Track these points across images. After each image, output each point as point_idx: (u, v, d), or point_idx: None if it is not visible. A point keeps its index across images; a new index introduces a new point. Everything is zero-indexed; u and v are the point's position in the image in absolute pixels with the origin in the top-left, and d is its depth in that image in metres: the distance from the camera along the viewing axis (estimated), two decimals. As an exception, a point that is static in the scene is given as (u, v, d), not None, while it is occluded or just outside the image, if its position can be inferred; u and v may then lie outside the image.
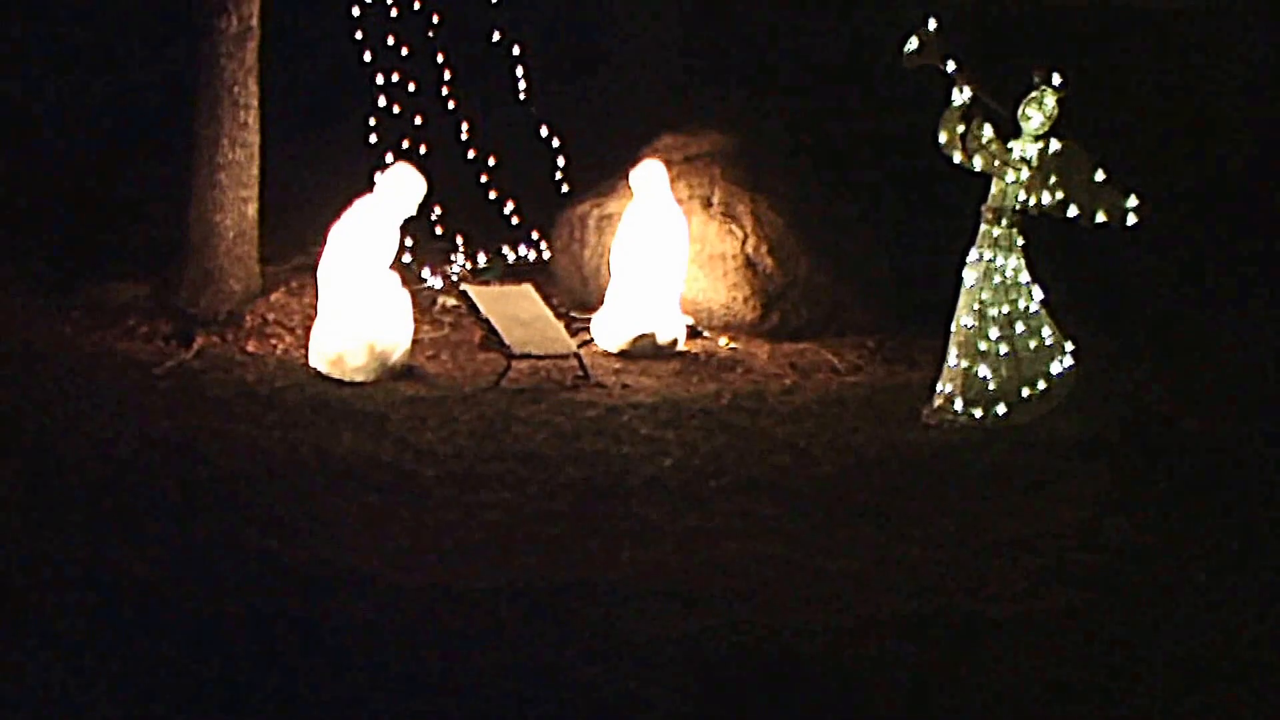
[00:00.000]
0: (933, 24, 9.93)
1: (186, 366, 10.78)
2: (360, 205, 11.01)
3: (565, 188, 13.20)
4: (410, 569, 7.75)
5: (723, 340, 12.10)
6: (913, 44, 10.00)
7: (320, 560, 7.79)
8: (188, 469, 8.91)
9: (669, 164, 12.19)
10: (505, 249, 13.01)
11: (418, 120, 12.66)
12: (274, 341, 11.47)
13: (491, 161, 12.16)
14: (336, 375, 10.73)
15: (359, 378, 10.72)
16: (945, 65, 10.00)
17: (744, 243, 12.33)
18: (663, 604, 7.55)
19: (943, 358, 10.51)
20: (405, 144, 12.63)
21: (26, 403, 9.67)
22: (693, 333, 12.00)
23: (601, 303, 12.13)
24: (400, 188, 10.90)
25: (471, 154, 12.58)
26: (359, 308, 10.75)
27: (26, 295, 11.73)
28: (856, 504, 9.00)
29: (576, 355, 11.10)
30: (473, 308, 11.28)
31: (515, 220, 12.98)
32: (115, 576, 7.41)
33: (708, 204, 12.23)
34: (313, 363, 10.93)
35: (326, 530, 8.23)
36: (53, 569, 7.46)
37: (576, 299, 12.62)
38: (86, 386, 10.21)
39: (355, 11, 12.57)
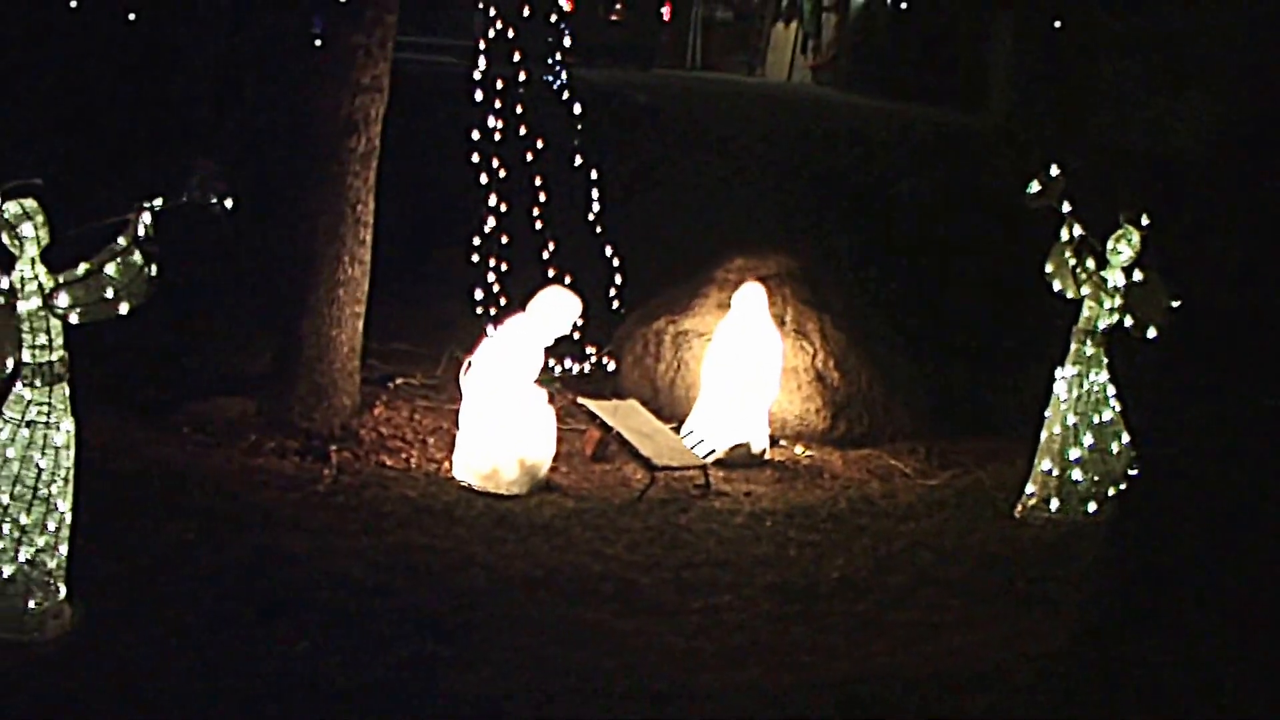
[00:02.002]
0: (1055, 170, 11.48)
1: (341, 483, 11.42)
2: (512, 323, 11.93)
3: (619, 305, 14.17)
4: (672, 678, 8.66)
5: (799, 449, 13.37)
6: (1034, 186, 11.51)
7: (596, 670, 8.66)
8: (419, 589, 9.65)
9: (742, 283, 13.43)
10: (568, 361, 13.90)
11: (504, 240, 13.46)
12: (404, 455, 12.19)
13: (567, 280, 13.08)
14: (490, 489, 11.59)
15: (513, 491, 11.61)
16: (1061, 206, 11.55)
17: (814, 357, 13.68)
18: (938, 692, 8.65)
19: (1030, 462, 11.94)
20: (494, 263, 13.44)
21: (209, 528, 10.16)
22: (771, 441, 13.25)
23: (675, 414, 13.27)
24: (554, 308, 11.87)
25: (551, 272, 13.47)
26: (510, 423, 11.62)
27: (127, 413, 12.12)
28: (1015, 592, 10.29)
29: (704, 467, 12.22)
30: (602, 424, 12.28)
31: (578, 334, 13.90)
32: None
33: (781, 322, 13.50)
34: (461, 476, 11.75)
35: (582, 642, 9.08)
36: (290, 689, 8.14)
37: (651, 411, 13.69)
38: (259, 508, 10.78)
39: (474, 135, 13.31)
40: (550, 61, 14.26)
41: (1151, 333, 11.46)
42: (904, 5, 25.97)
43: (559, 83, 14.37)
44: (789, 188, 17.34)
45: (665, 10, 28.63)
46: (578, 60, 14.56)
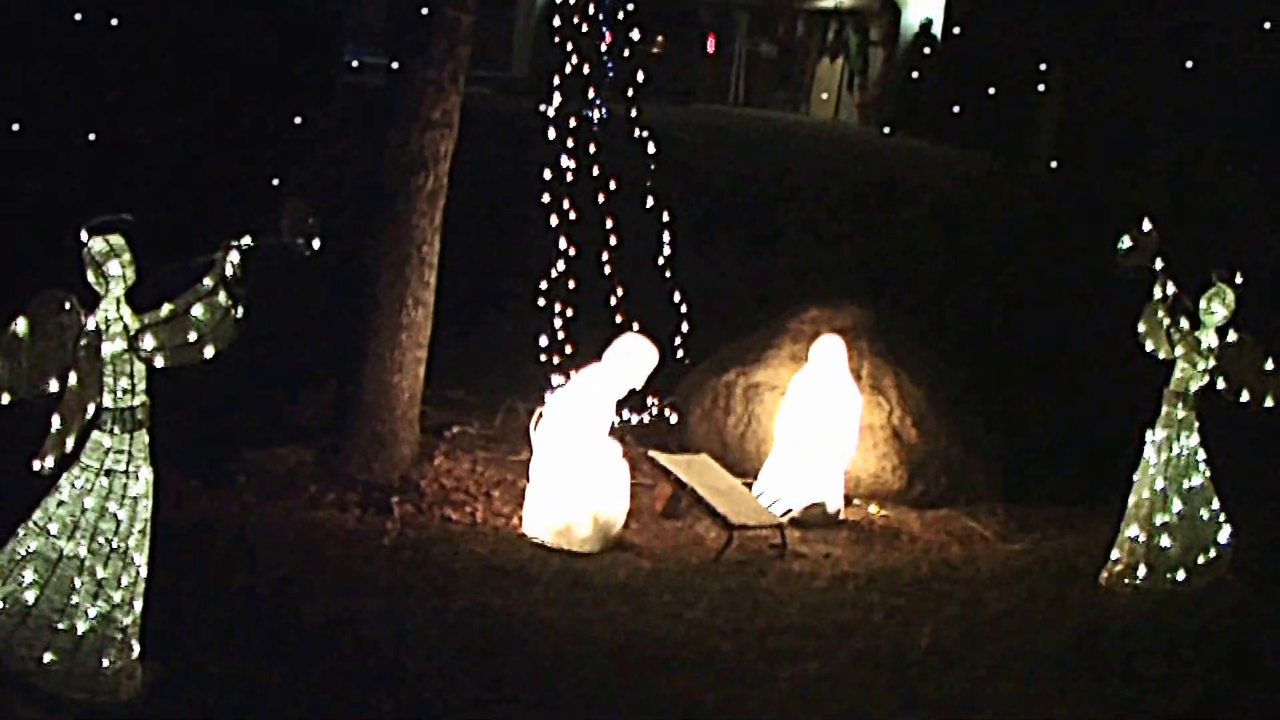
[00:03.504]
0: (1147, 225, 11.43)
1: (406, 538, 11.34)
2: (586, 374, 11.87)
3: (684, 355, 14.10)
4: None
5: (874, 508, 13.30)
6: (1126, 243, 11.46)
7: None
8: (498, 654, 9.56)
9: (815, 335, 13.38)
10: (628, 412, 13.81)
11: (571, 284, 13.40)
12: (468, 509, 12.12)
13: (635, 327, 13.00)
14: (563, 546, 11.52)
15: (586, 548, 11.54)
16: (1154, 264, 11.49)
17: (890, 414, 13.63)
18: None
19: (1115, 528, 11.87)
20: (560, 309, 13.38)
21: (276, 586, 10.11)
22: (846, 500, 13.18)
23: (744, 470, 13.20)
24: (630, 358, 11.81)
25: (619, 319, 13.39)
26: (583, 478, 11.56)
27: (181, 462, 11.99)
28: (1111, 665, 10.20)
29: (780, 527, 12.15)
30: (676, 480, 12.20)
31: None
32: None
33: (857, 376, 13.43)
34: (531, 532, 11.69)
35: (671, 715, 9.06)
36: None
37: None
38: (325, 565, 10.73)
39: (546, 174, 13.26)
40: (592, 98, 14.13)
41: (1245, 396, 11.35)
42: (956, 33, 25.99)
43: (599, 117, 14.24)
44: (851, 236, 17.28)
45: (709, 43, 28.64)
46: (614, 95, 14.40)
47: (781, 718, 9.14)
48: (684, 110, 25.43)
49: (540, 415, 11.87)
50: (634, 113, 13.75)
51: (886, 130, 22.40)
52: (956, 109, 22.67)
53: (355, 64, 20.15)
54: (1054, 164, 19.73)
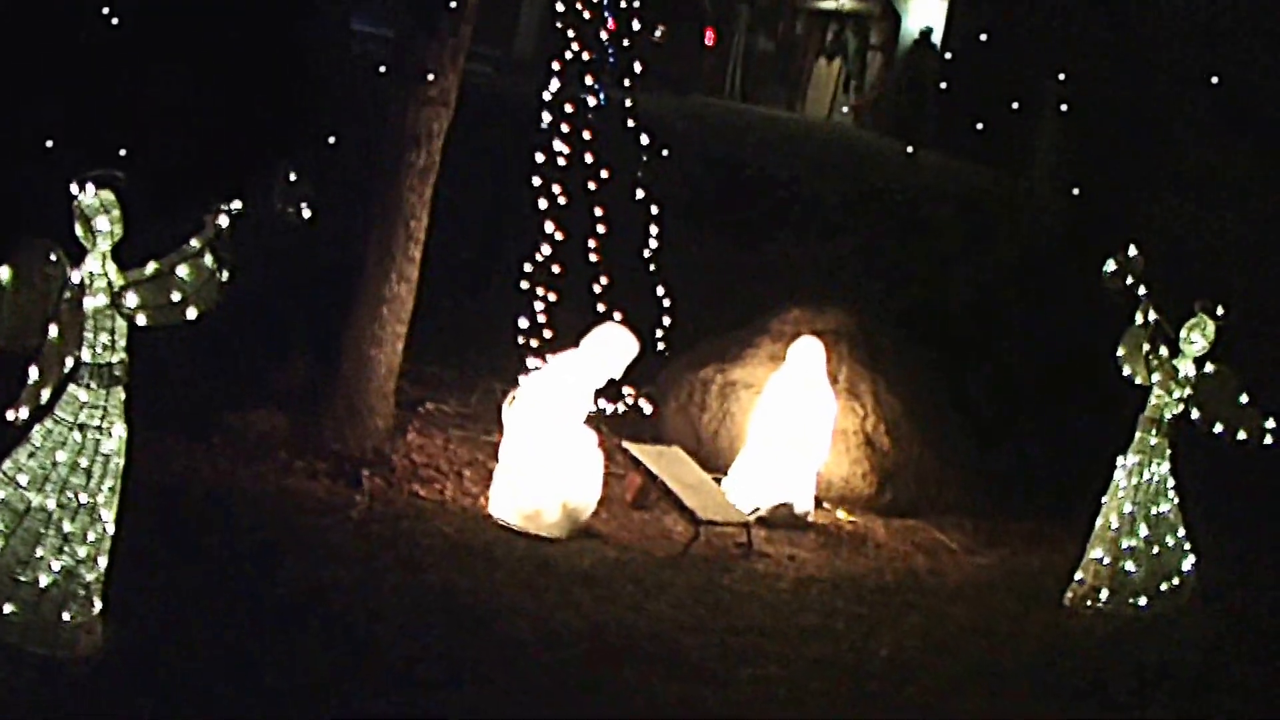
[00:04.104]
0: (1133, 250, 11.44)
1: (374, 511, 11.31)
2: (562, 359, 11.85)
3: (664, 347, 14.06)
4: None
5: (842, 513, 13.30)
6: (1110, 266, 11.48)
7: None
8: (461, 634, 9.56)
9: (796, 336, 13.37)
10: (603, 401, 13.74)
11: (556, 269, 13.36)
12: (438, 486, 12.08)
13: (617, 316, 12.97)
14: (530, 530, 11.49)
15: (553, 534, 11.51)
16: (1138, 289, 11.51)
17: (864, 420, 13.62)
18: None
19: (1081, 548, 11.89)
20: (543, 293, 13.34)
21: (241, 550, 10.07)
22: (815, 503, 13.18)
23: (716, 466, 13.19)
24: (609, 347, 11.78)
25: (601, 307, 13.35)
26: (556, 463, 11.53)
27: (156, 420, 11.90)
28: (1073, 688, 10.28)
29: (746, 526, 12.14)
30: (647, 471, 12.19)
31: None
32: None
33: (834, 380, 13.42)
34: (498, 513, 11.65)
35: (630, 707, 9.03)
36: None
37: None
38: (292, 532, 10.71)
39: (538, 157, 13.22)
40: (592, 83, 14.08)
41: (1218, 428, 11.38)
42: (949, 56, 25.99)
43: (599, 104, 14.18)
44: (840, 239, 17.27)
45: (708, 35, 28.57)
46: (612, 83, 14.35)
47: (739, 718, 9.05)
48: (681, 101, 25.36)
49: (513, 397, 11.78)
50: (629, 102, 13.62)
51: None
52: (960, 118, 22.72)
53: (359, 33, 20.09)
54: (1075, 191, 19.72)
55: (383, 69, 12.79)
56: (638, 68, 14.01)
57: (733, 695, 9.42)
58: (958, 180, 20.87)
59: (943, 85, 23.96)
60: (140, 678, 8.17)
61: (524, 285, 13.44)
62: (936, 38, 26.73)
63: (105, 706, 7.89)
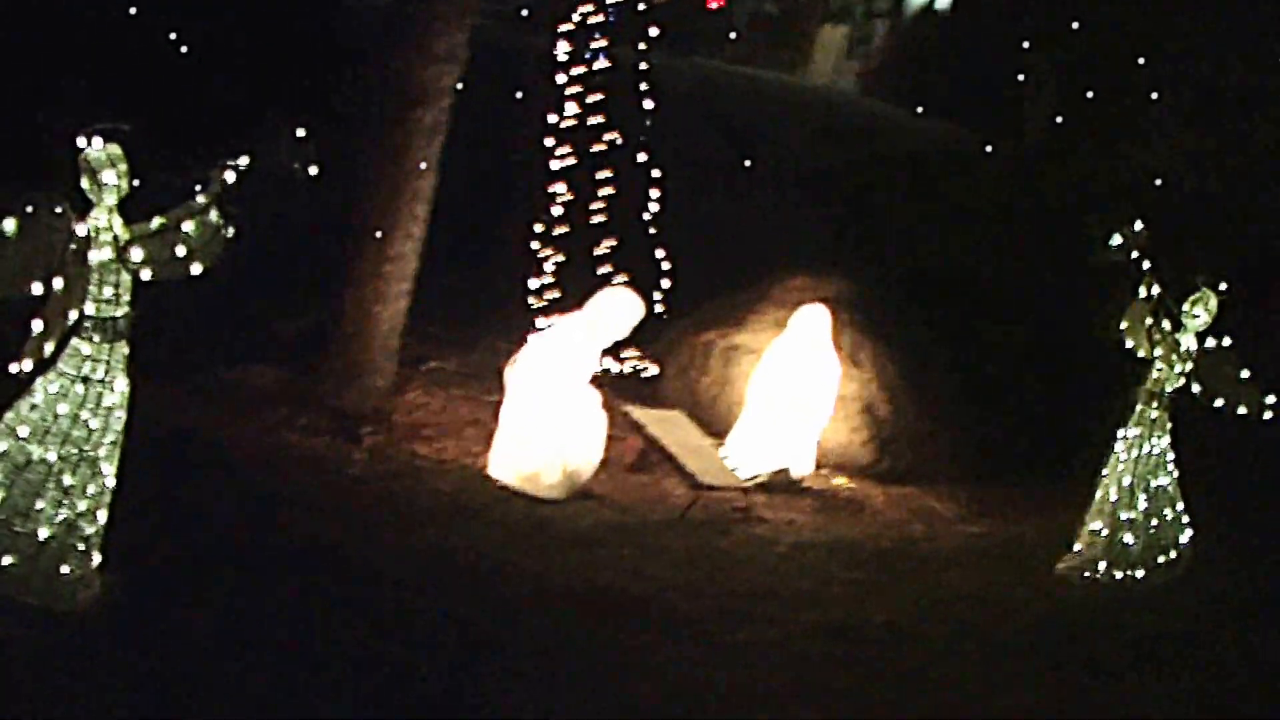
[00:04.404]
0: (1138, 225, 11.43)
1: (373, 469, 11.31)
2: (568, 321, 11.83)
3: (664, 310, 14.03)
4: (721, 715, 8.71)
5: (839, 479, 13.31)
6: (1116, 240, 11.46)
7: (642, 701, 8.66)
8: (458, 594, 9.60)
9: (799, 303, 13.36)
10: (605, 362, 13.70)
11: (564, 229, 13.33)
12: (438, 445, 12.10)
13: (621, 279, 12.96)
14: (528, 490, 11.50)
15: (552, 495, 11.52)
16: (1142, 263, 11.50)
17: (864, 387, 13.61)
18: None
19: (1077, 519, 11.89)
20: (550, 255, 13.31)
21: (240, 505, 10.08)
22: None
23: (715, 430, 13.20)
24: (617, 310, 11.76)
25: (608, 268, 13.33)
26: (557, 425, 11.52)
27: (156, 372, 11.87)
28: (1065, 655, 10.24)
29: (745, 490, 12.16)
30: (647, 435, 12.19)
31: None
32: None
33: (836, 347, 13.41)
34: (497, 474, 11.66)
35: (626, 668, 9.05)
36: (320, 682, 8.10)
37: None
38: (291, 487, 10.77)
39: (550, 119, 13.16)
40: (594, 40, 14.02)
41: (1219, 402, 11.37)
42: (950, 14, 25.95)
43: (598, 62, 14.13)
44: (843, 204, 17.23)
45: (716, -1, 28.53)
46: (618, 43, 14.28)
47: (735, 680, 9.11)
48: (683, 62, 25.26)
49: (515, 358, 11.77)
50: (639, 65, 13.57)
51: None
52: (952, 84, 22.72)
53: None
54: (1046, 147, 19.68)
55: (390, 26, 12.61)
56: (649, 29, 13.88)
57: (728, 658, 9.41)
58: (959, 145, 20.83)
59: (943, 50, 23.90)
60: (138, 631, 8.17)
61: (530, 246, 13.32)
62: (942, 3, 26.64)
63: (103, 659, 7.88)
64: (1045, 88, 21.27)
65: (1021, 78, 21.67)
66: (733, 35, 28.41)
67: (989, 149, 18.36)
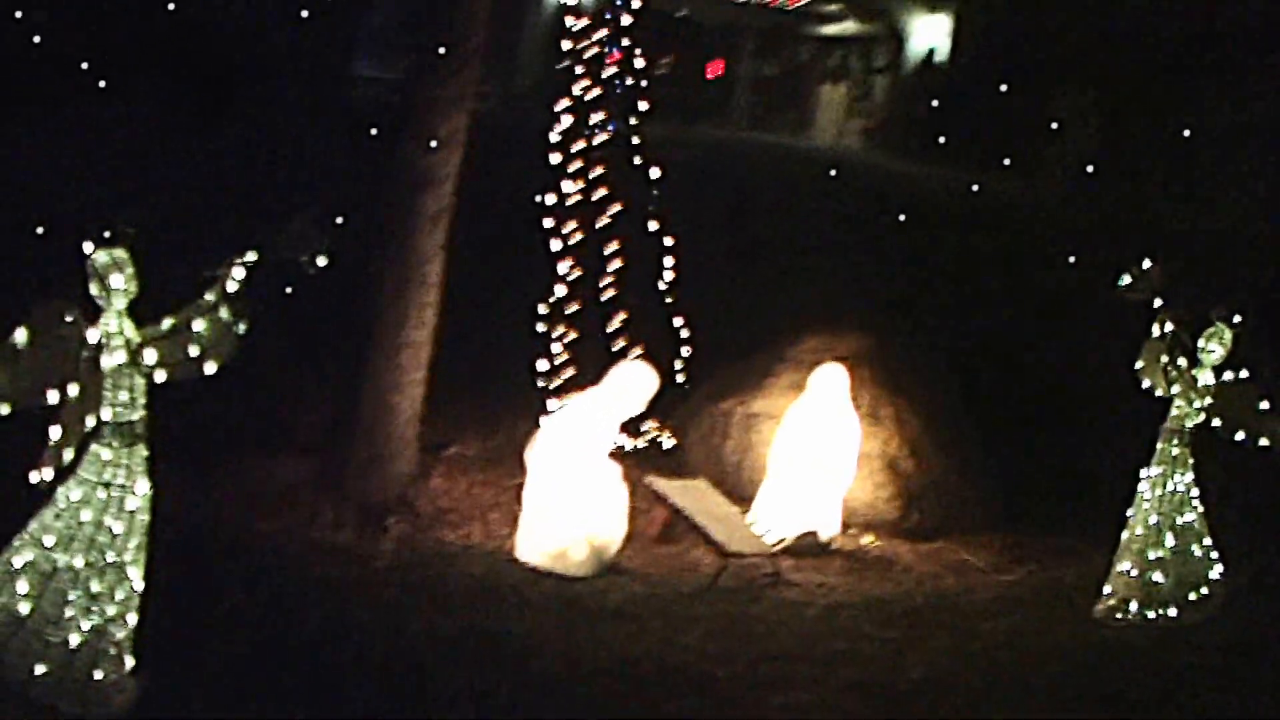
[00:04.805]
0: (1147, 263, 11.46)
1: (401, 558, 11.34)
2: (585, 396, 11.87)
3: (684, 380, 14.06)
4: None
5: (867, 538, 13.31)
6: (1126, 279, 11.49)
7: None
8: (492, 676, 9.51)
9: (815, 364, 13.39)
10: (624, 436, 13.71)
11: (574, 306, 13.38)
12: (463, 531, 12.16)
13: (636, 352, 13.00)
14: (556, 569, 11.52)
15: (580, 572, 11.54)
16: (1154, 300, 11.52)
17: (887, 443, 13.64)
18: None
19: (1108, 561, 11.87)
20: (564, 332, 13.37)
21: (271, 602, 10.09)
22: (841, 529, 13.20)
23: (740, 498, 13.21)
24: (632, 383, 11.81)
25: (621, 343, 13.37)
26: (580, 502, 11.55)
27: (179, 472, 11.93)
28: (1107, 700, 10.24)
29: (774, 556, 12.16)
30: (673, 506, 12.21)
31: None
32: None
33: (856, 405, 13.43)
34: (525, 556, 11.68)
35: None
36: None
37: (716, 493, 13.64)
38: (320, 582, 10.79)
39: (548, 199, 13.25)
40: (602, 119, 14.12)
41: (1240, 435, 11.37)
42: (952, 68, 26.08)
43: (608, 136, 14.22)
44: (855, 264, 17.30)
45: (714, 68, 28.70)
46: (619, 115, 14.38)
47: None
48: (688, 132, 25.43)
49: (535, 437, 11.81)
50: (637, 137, 13.66)
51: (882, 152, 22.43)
52: (962, 135, 22.81)
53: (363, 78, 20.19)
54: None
55: (392, 113, 12.73)
56: (643, 102, 13.97)
57: (766, 722, 9.29)
58: (968, 196, 20.87)
59: (947, 103, 24.00)
60: (174, 732, 8.14)
61: (542, 324, 13.39)
62: (940, 57, 26.78)
63: (141, 764, 7.86)
64: (1062, 132, 21.34)
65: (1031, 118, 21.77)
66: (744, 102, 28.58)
67: (975, 189, 18.23)
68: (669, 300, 13.63)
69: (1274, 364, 11.67)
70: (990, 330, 15.71)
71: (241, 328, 8.27)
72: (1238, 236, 17.97)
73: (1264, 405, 11.47)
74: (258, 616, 9.73)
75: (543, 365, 13.38)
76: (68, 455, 8.06)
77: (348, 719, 8.62)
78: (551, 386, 13.29)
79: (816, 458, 12.79)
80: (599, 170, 13.51)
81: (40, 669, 8.08)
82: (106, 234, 8.08)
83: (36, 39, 14.60)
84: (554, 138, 13.52)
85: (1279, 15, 19.20)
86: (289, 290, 9.43)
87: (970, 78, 24.76)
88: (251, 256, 8.30)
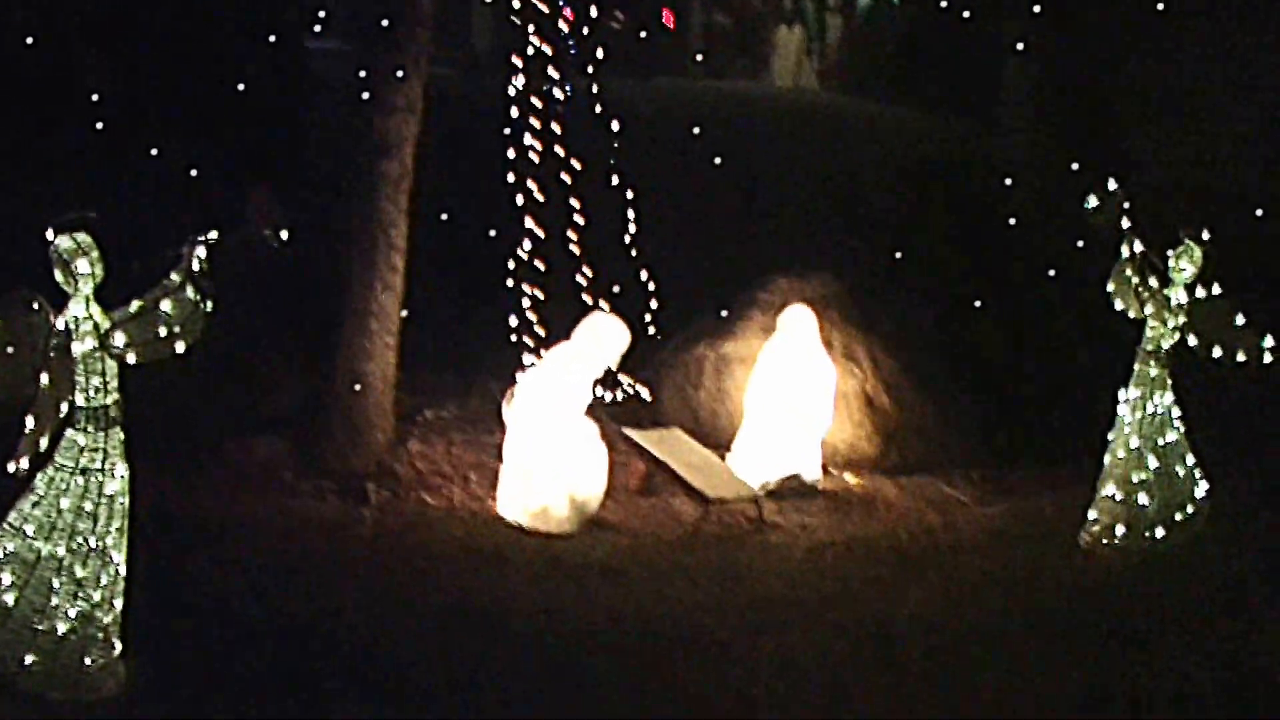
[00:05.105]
0: (1112, 184, 11.47)
1: (384, 525, 11.35)
2: (558, 353, 11.87)
3: (654, 331, 14.04)
4: None
5: (850, 477, 13.34)
6: (1092, 201, 11.50)
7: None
8: (481, 641, 9.58)
9: (785, 306, 13.40)
10: (600, 390, 13.69)
11: (540, 264, 13.37)
12: (445, 493, 12.13)
13: (605, 306, 12.99)
14: (539, 527, 11.52)
15: (563, 529, 11.55)
16: (1121, 222, 11.53)
17: (864, 383, 13.67)
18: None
19: (1091, 488, 11.91)
20: (533, 290, 13.35)
21: (256, 579, 10.15)
22: (822, 470, 13.22)
23: (718, 443, 13.22)
24: (604, 337, 11.80)
25: (588, 298, 13.36)
26: (557, 458, 11.55)
27: (154, 455, 11.89)
28: (1098, 626, 10.28)
29: (756, 500, 12.18)
30: (651, 456, 12.22)
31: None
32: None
33: (829, 345, 13.44)
34: (507, 514, 11.69)
35: (661, 694, 9.10)
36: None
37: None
38: (304, 555, 10.77)
39: (510, 154, 13.23)
40: (559, 75, 14.06)
41: (1217, 352, 11.38)
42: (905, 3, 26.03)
43: (565, 95, 14.18)
44: (821, 205, 17.28)
45: (667, 17, 28.58)
46: (576, 73, 14.35)
47: (767, 691, 9.14)
48: (645, 85, 25.35)
49: (511, 396, 11.81)
50: (595, 89, 13.61)
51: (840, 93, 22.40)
52: (917, 73, 22.76)
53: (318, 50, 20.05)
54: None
55: (346, 83, 12.68)
56: (600, 55, 13.93)
57: (758, 669, 9.43)
58: (931, 134, 20.90)
59: (903, 41, 23.96)
60: (166, 714, 8.19)
61: (510, 283, 13.37)
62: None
63: (135, 747, 7.85)
64: (1022, 71, 21.29)
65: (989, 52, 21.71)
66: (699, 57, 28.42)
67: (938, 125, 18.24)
68: (635, 253, 13.51)
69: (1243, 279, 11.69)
70: (960, 264, 15.66)
71: (208, 306, 8.22)
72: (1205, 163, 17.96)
73: (1239, 320, 11.44)
74: (243, 594, 9.74)
75: (514, 324, 13.25)
76: (43, 443, 8.02)
77: (339, 689, 8.59)
78: (524, 344, 13.21)
79: (791, 402, 12.76)
80: (558, 128, 13.38)
81: (30, 658, 8.09)
82: (68, 221, 7.99)
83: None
84: (512, 96, 13.36)
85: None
86: (256, 266, 9.42)
87: (925, 12, 24.64)
88: (213, 235, 8.25)
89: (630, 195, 13.60)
